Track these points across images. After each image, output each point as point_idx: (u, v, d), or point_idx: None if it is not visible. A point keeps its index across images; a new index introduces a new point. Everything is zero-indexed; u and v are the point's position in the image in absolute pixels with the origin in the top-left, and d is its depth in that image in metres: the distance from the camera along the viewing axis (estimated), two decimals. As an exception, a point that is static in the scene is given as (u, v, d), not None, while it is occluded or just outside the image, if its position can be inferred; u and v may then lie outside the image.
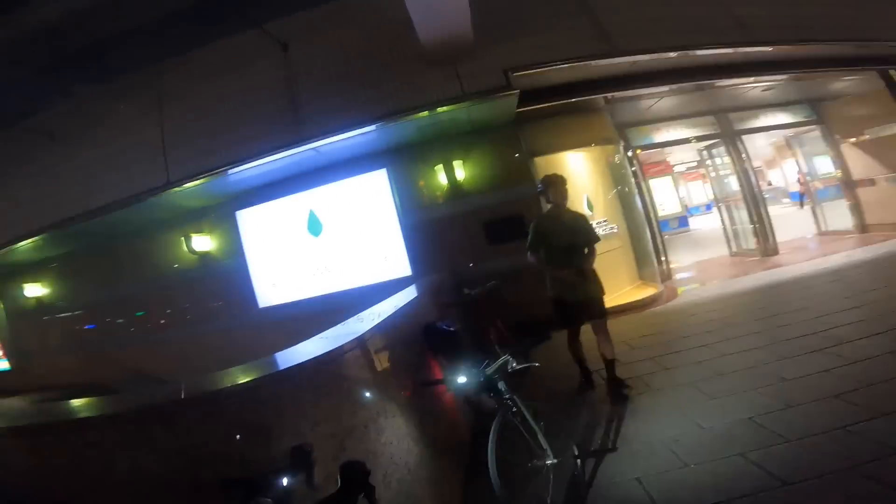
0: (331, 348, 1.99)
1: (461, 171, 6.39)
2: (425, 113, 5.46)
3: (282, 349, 2.06)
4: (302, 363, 1.82)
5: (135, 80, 6.56)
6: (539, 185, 3.77)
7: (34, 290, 8.43)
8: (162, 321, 7.78)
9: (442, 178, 6.42)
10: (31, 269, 8.43)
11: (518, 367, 2.36)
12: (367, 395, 2.07)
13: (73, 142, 6.71)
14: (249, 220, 6.99)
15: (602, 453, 2.74)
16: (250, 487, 1.20)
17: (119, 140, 6.44)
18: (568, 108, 6.43)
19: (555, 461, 2.29)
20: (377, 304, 3.28)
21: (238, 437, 1.48)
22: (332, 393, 1.85)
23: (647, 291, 6.80)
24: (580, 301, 3.53)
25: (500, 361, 2.32)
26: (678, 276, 8.04)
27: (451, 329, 3.06)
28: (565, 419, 3.19)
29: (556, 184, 3.62)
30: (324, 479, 1.65)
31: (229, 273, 7.10)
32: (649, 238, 7.45)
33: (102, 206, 6.26)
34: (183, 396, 1.58)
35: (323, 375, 1.86)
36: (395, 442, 2.07)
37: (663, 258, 7.84)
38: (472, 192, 6.42)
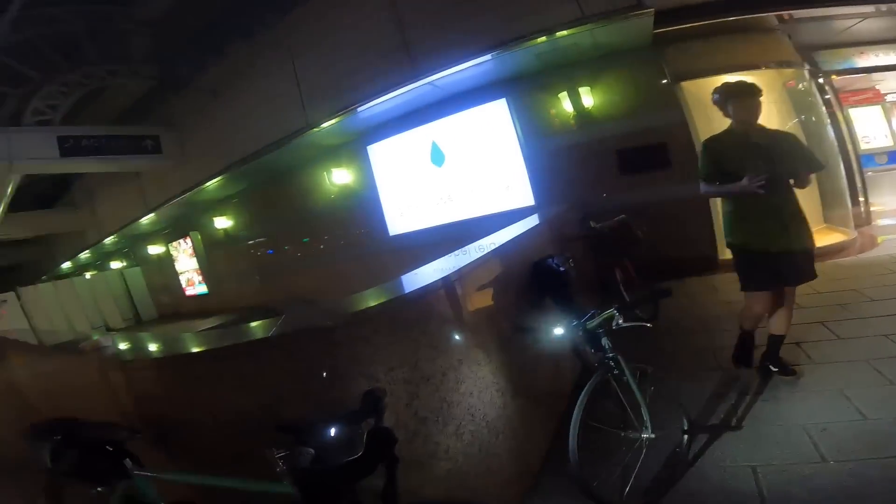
0: (417, 286, 2.01)
1: (589, 98, 5.80)
2: (542, 39, 4.97)
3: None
4: (386, 301, 1.88)
5: (269, 36, 7.20)
6: (715, 96, 2.76)
7: (222, 222, 10.30)
8: (321, 246, 8.98)
9: (567, 105, 5.93)
10: (218, 205, 10.29)
11: (625, 325, 2.07)
12: (453, 338, 2.04)
13: (230, 95, 7.75)
14: (379, 153, 7.45)
15: (719, 430, 2.35)
16: (299, 433, 1.27)
17: (264, 91, 7.25)
18: (726, 28, 5.28)
19: (652, 435, 2.05)
20: (494, 234, 3.19)
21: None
22: (412, 335, 1.87)
23: (832, 238, 5.49)
24: (785, 253, 2.57)
25: (605, 314, 2.07)
26: (880, 221, 6.27)
27: (562, 269, 2.83)
28: (679, 388, 2.68)
29: (743, 94, 2.61)
30: (394, 427, 1.73)
31: (364, 203, 7.77)
32: (842, 174, 5.88)
33: (258, 149, 7.25)
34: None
35: (408, 315, 1.89)
36: (475, 393, 2.05)
37: (861, 199, 6.21)
38: (601, 119, 5.83)
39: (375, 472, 1.29)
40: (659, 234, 4.67)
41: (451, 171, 6.87)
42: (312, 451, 1.24)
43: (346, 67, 6.24)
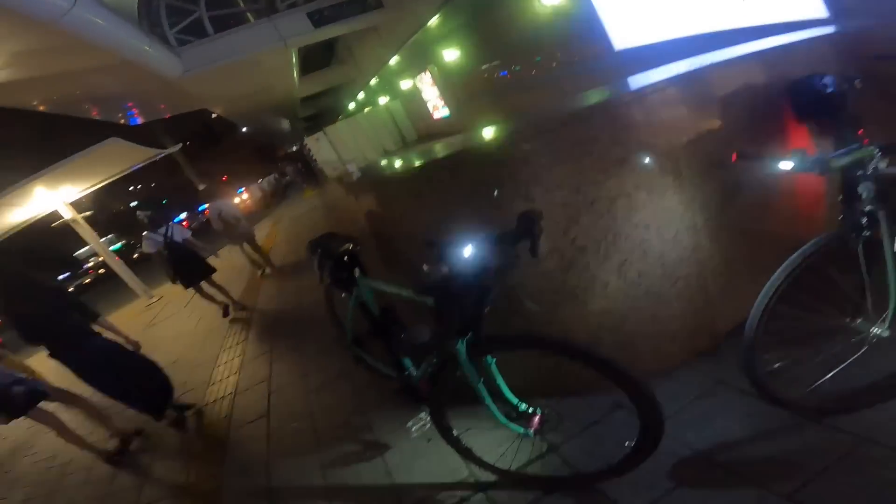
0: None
1: None
2: None
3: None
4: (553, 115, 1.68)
5: None
6: None
7: (451, 54, 10.76)
8: (553, 64, 8.49)
9: None
10: (445, 39, 10.62)
11: (888, 171, 1.31)
12: (631, 159, 1.71)
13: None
14: None
15: None
16: (441, 249, 1.35)
17: None
18: None
19: (885, 333, 1.43)
20: (746, 44, 2.31)
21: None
22: (583, 154, 1.66)
23: None
24: None
25: (861, 152, 1.33)
26: None
27: (830, 90, 1.90)
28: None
29: None
30: (547, 253, 1.66)
31: (580, 21, 6.73)
32: None
33: None
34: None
35: (576, 132, 1.66)
36: (652, 226, 1.73)
37: None
38: None
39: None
40: None
41: None
42: (446, 268, 1.34)
43: None
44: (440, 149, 2.11)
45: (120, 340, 3.53)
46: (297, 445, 2.77)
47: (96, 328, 3.49)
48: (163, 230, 5.50)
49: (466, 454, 1.83)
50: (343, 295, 2.29)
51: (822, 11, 4.18)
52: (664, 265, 1.79)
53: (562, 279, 1.71)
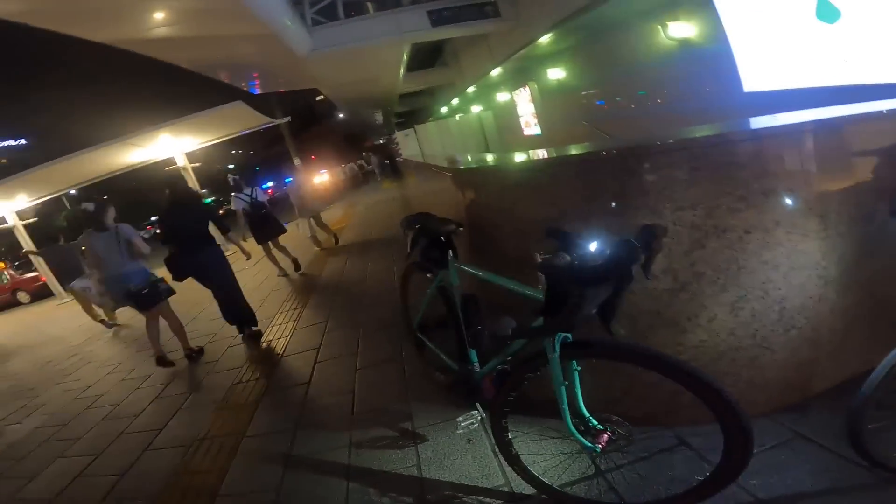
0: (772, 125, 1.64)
1: None
2: None
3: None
4: (698, 138, 1.59)
5: None
6: None
7: (555, 73, 10.79)
8: (646, 100, 8.46)
9: None
10: (551, 58, 10.66)
11: None
12: (779, 195, 1.58)
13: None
14: (731, 5, 5.91)
15: None
16: (564, 239, 1.33)
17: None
18: None
19: None
20: None
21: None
22: (717, 178, 1.56)
23: None
24: None
25: None
26: None
27: None
28: None
29: None
30: (661, 273, 1.56)
31: (709, 57, 6.44)
32: None
33: (584, 5, 6.90)
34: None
35: (720, 157, 1.57)
36: (784, 266, 1.58)
37: None
38: None
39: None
40: None
41: (847, 29, 4.62)
42: (567, 257, 1.30)
43: None
44: (569, 148, 2.09)
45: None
46: (330, 420, 2.74)
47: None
48: (248, 192, 6.48)
49: (513, 461, 1.75)
50: (429, 276, 2.32)
51: None
52: (782, 311, 1.63)
53: (668, 302, 1.60)
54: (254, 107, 10.09)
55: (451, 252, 2.08)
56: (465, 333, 2.04)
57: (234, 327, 4.50)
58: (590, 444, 1.55)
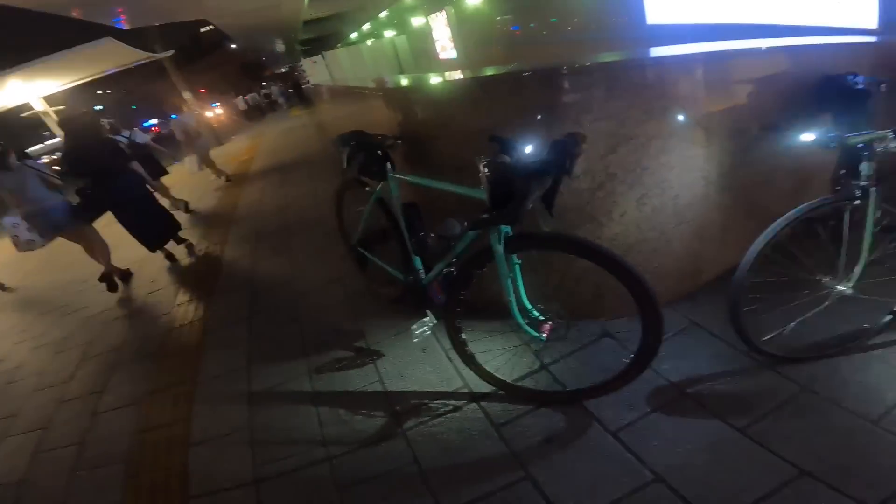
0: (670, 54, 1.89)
1: None
2: None
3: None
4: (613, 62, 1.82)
5: None
6: None
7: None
8: (568, 28, 8.69)
9: None
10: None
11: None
12: (674, 109, 1.87)
13: None
14: None
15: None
16: (504, 144, 1.51)
17: None
18: None
19: (848, 291, 1.67)
20: (793, 37, 2.48)
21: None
22: (633, 96, 1.80)
23: None
24: None
25: (874, 134, 1.53)
26: None
27: (861, 86, 2.08)
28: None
29: None
30: (581, 173, 1.81)
31: None
32: None
33: None
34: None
35: (631, 77, 1.80)
36: (676, 168, 1.92)
37: None
38: None
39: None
40: None
41: None
42: (508, 158, 1.47)
43: None
44: (505, 68, 2.21)
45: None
46: (280, 350, 2.70)
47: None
48: (127, 133, 6.43)
49: (468, 360, 1.94)
50: (367, 189, 2.39)
51: (873, 23, 4.37)
52: (675, 205, 2.00)
53: (587, 200, 1.88)
54: (127, 42, 8.99)
55: (388, 164, 2.17)
56: (409, 241, 2.16)
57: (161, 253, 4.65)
58: (536, 334, 1.79)
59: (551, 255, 1.80)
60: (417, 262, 2.22)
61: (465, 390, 2.03)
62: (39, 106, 10.30)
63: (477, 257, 1.71)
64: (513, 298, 1.75)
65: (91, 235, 4.39)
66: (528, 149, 1.51)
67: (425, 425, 1.90)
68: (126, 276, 4.58)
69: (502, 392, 1.95)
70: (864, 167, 1.61)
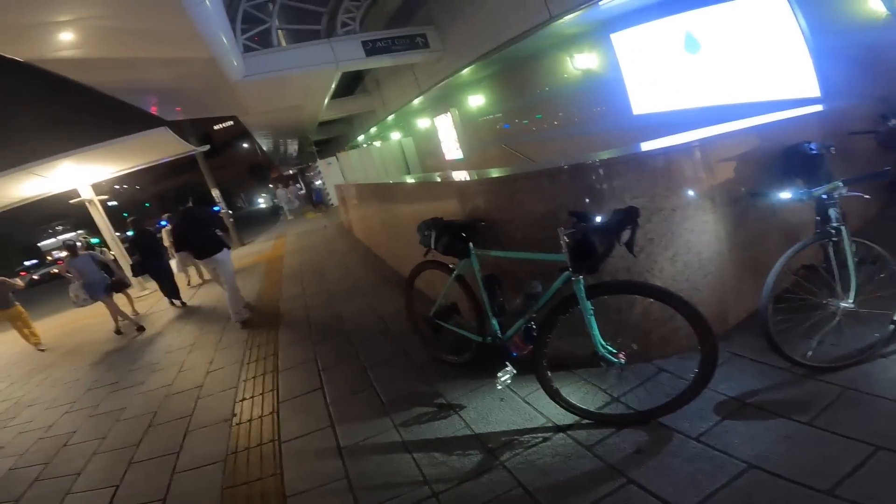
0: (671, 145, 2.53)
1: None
2: None
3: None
4: (640, 152, 2.48)
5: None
6: None
7: (475, 100, 11.89)
8: (555, 122, 9.75)
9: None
10: (471, 86, 11.79)
11: (849, 193, 2.14)
12: (686, 185, 2.49)
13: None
14: (624, 41, 7.33)
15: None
16: (581, 217, 2.08)
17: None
18: None
19: (851, 306, 2.16)
20: (758, 116, 3.23)
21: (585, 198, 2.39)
22: (656, 178, 2.44)
23: None
24: None
25: (832, 184, 2.17)
26: None
27: (815, 151, 2.76)
28: None
29: None
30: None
31: (607, 85, 7.85)
32: None
33: (507, 40, 7.91)
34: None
35: (652, 164, 2.46)
36: (696, 231, 2.51)
37: None
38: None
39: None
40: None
41: (707, 59, 6.24)
42: (588, 227, 2.03)
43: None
44: (559, 160, 2.77)
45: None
46: (362, 412, 2.86)
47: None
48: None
49: (554, 395, 2.26)
50: (451, 266, 2.86)
51: (815, 91, 5.29)
52: (700, 260, 2.55)
53: (633, 261, 2.43)
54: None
55: (471, 244, 2.65)
56: (489, 306, 2.58)
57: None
58: (616, 360, 2.17)
59: (610, 304, 2.28)
60: (495, 324, 2.62)
61: (550, 424, 2.29)
62: (87, 193, 9.75)
63: (561, 306, 2.19)
64: (596, 332, 2.17)
65: (112, 302, 6.98)
66: (599, 218, 2.07)
67: (521, 456, 2.12)
68: (140, 329, 6.83)
69: (586, 420, 2.26)
70: (832, 212, 2.21)
